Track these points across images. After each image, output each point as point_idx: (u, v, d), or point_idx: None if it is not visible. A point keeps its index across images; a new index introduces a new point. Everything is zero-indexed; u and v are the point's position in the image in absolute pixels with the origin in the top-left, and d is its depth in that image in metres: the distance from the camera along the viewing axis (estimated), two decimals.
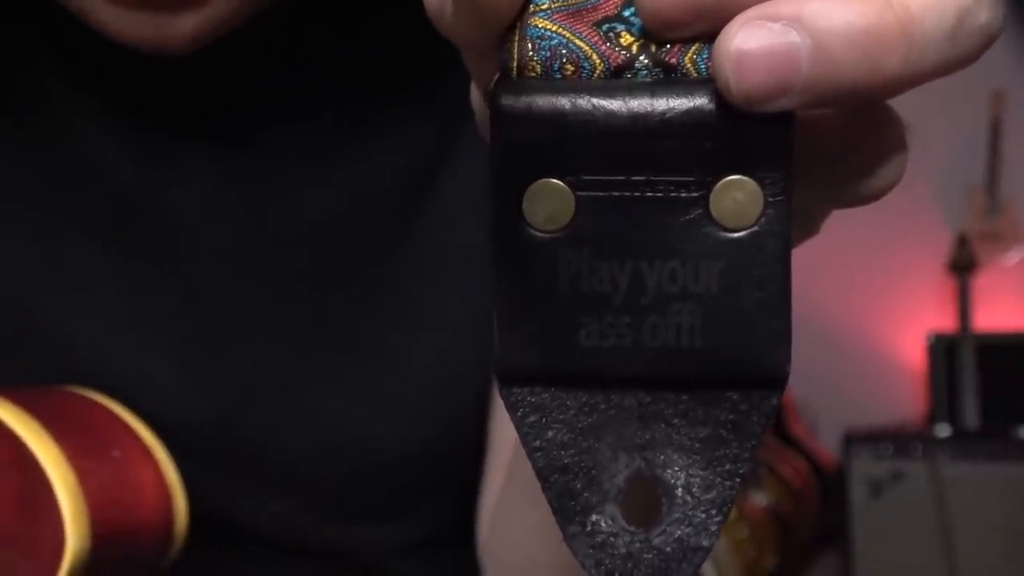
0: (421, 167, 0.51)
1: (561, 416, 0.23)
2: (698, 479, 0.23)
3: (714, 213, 0.22)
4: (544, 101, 0.22)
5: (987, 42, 0.23)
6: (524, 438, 0.23)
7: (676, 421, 0.23)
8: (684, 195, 0.22)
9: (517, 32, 0.22)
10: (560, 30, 0.22)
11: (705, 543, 0.22)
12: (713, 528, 0.22)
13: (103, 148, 0.48)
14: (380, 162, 0.51)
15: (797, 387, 2.80)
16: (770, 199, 0.22)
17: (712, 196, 0.22)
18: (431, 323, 0.51)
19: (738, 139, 0.21)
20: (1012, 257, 2.76)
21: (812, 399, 2.82)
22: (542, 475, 0.23)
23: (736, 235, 0.22)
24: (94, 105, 0.48)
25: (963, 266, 2.63)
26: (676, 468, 0.23)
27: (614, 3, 0.22)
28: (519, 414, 0.23)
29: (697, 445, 0.23)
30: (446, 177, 0.51)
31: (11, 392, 0.41)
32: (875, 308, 2.87)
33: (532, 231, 0.22)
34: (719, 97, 0.21)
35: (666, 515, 0.23)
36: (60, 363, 0.48)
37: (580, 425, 0.23)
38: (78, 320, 0.48)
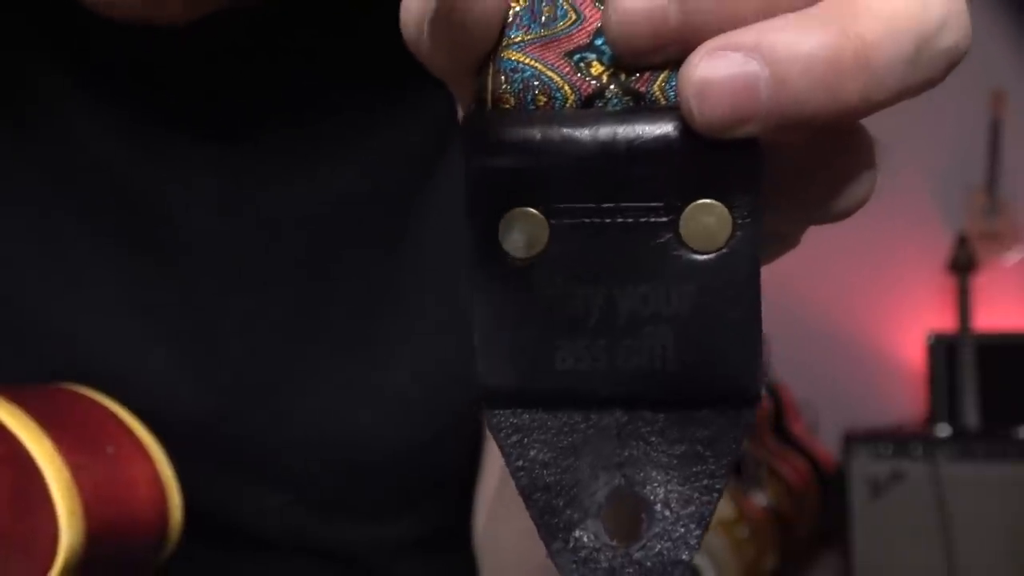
0: (416, 166, 0.51)
1: (542, 436, 0.23)
2: (676, 495, 0.23)
3: (684, 237, 0.22)
4: (516, 132, 0.22)
5: (951, 64, 0.23)
6: (507, 458, 0.24)
7: (654, 439, 0.23)
8: (654, 220, 0.22)
9: (491, 65, 0.23)
10: (532, 62, 0.23)
11: (685, 556, 0.23)
12: (692, 542, 0.23)
13: (99, 141, 0.48)
14: (375, 160, 0.51)
15: (797, 387, 2.81)
16: (739, 221, 0.22)
17: (682, 220, 0.22)
18: (427, 320, 0.51)
19: (706, 164, 0.22)
20: (1012, 257, 2.76)
21: (812, 399, 2.83)
22: (525, 493, 0.24)
23: (706, 258, 0.22)
24: (90, 98, 0.48)
25: (963, 266, 2.63)
26: (655, 484, 0.23)
27: (585, 33, 0.23)
28: (501, 435, 0.24)
29: (675, 462, 0.23)
30: (441, 177, 0.51)
31: (4, 388, 0.41)
32: (875, 308, 2.87)
33: (508, 257, 0.23)
34: (686, 124, 0.22)
35: (646, 530, 0.23)
36: (57, 355, 0.48)
37: (560, 445, 0.23)
38: (75, 312, 0.48)
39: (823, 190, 0.25)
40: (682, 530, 0.23)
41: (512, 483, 0.50)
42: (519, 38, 0.23)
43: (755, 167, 0.22)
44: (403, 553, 0.53)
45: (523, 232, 0.22)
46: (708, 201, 0.22)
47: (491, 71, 0.23)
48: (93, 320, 0.48)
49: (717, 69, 0.21)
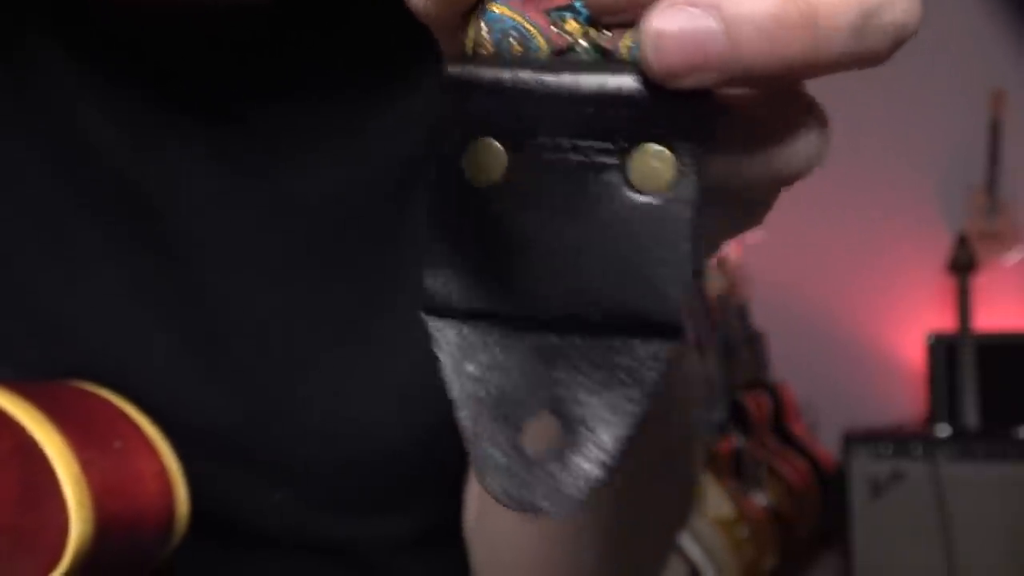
0: (415, 153, 0.51)
1: (478, 350, 0.25)
2: (596, 416, 0.25)
3: (631, 178, 0.24)
4: (487, 72, 0.24)
5: (898, 40, 0.25)
6: (443, 368, 0.26)
7: (581, 363, 0.25)
8: (604, 160, 0.24)
9: (475, 15, 0.25)
10: (513, 15, 0.25)
11: (597, 473, 0.24)
12: (607, 461, 0.25)
13: (103, 132, 0.48)
14: (374, 148, 0.51)
15: (797, 387, 2.81)
16: (683, 167, 0.24)
17: (630, 162, 0.24)
18: None
19: (657, 112, 0.24)
20: (1012, 257, 2.76)
21: (812, 399, 2.83)
22: (457, 403, 0.25)
23: (648, 198, 0.24)
24: (94, 89, 0.48)
25: (963, 266, 2.64)
26: (577, 405, 0.25)
27: None
28: (440, 344, 0.26)
29: (598, 387, 0.25)
30: None
31: (13, 383, 0.41)
32: (875, 308, 2.88)
33: (467, 183, 0.25)
34: (643, 76, 0.24)
35: (567, 447, 0.25)
36: (62, 346, 0.48)
37: (494, 360, 0.25)
38: (79, 303, 0.48)
39: (768, 144, 0.26)
40: (597, 449, 0.25)
41: None
42: None
43: (702, 116, 0.24)
44: (402, 548, 0.53)
45: (483, 161, 0.25)
46: (655, 146, 0.24)
47: (474, 20, 0.25)
48: (97, 311, 0.48)
49: (674, 22, 0.23)
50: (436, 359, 0.26)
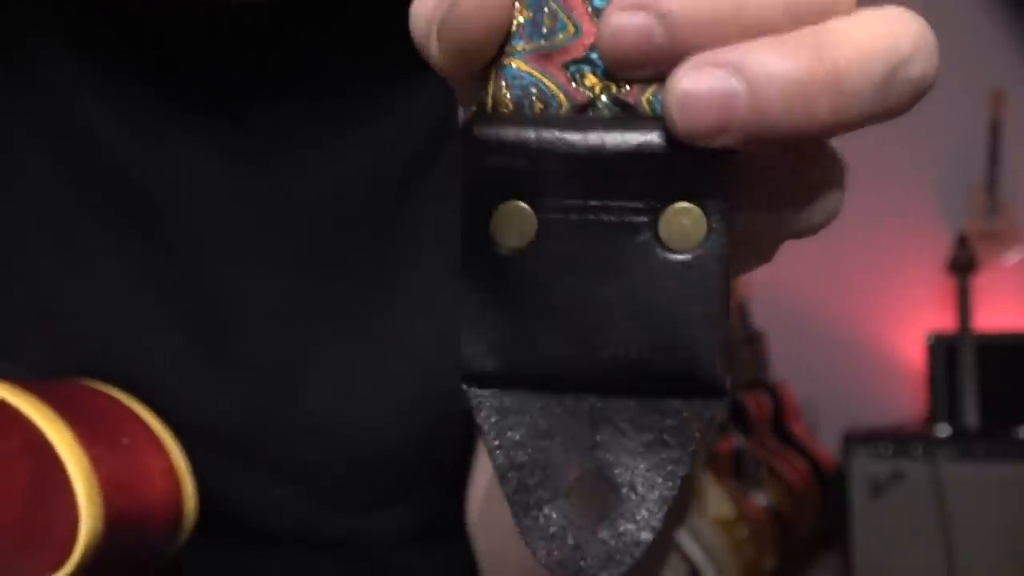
0: (415, 153, 0.52)
1: (520, 418, 0.25)
2: (642, 479, 0.25)
3: (662, 236, 0.24)
4: (511, 132, 0.24)
5: (918, 94, 0.25)
6: (485, 437, 0.25)
7: (624, 425, 0.25)
8: (635, 220, 0.24)
9: (494, 71, 0.25)
10: (532, 71, 0.24)
11: (646, 537, 0.24)
12: (655, 524, 0.24)
13: (107, 126, 0.48)
14: (374, 147, 0.51)
15: (797, 387, 2.81)
16: (713, 225, 0.24)
17: (660, 221, 0.24)
18: (425, 309, 0.51)
19: (684, 170, 0.24)
20: (1012, 257, 2.76)
21: (812, 399, 2.83)
22: (500, 471, 0.25)
23: (681, 257, 0.24)
24: (98, 84, 0.48)
25: (963, 266, 2.63)
26: (623, 468, 0.25)
27: (582, 46, 0.24)
28: (482, 414, 0.25)
29: (642, 448, 0.25)
30: (439, 164, 0.52)
31: (23, 380, 0.41)
32: (875, 308, 2.87)
33: (498, 248, 0.24)
34: (668, 133, 0.23)
35: (612, 511, 0.25)
36: (65, 340, 0.48)
37: (537, 426, 0.25)
38: (82, 298, 0.48)
39: (792, 202, 0.27)
40: (645, 513, 0.24)
41: None
42: (521, 47, 0.24)
43: (730, 175, 0.24)
44: (402, 543, 0.53)
45: (513, 224, 0.24)
46: (685, 204, 0.24)
47: (493, 77, 0.25)
48: (99, 308, 0.48)
49: (700, 82, 0.23)
50: (479, 428, 0.25)
